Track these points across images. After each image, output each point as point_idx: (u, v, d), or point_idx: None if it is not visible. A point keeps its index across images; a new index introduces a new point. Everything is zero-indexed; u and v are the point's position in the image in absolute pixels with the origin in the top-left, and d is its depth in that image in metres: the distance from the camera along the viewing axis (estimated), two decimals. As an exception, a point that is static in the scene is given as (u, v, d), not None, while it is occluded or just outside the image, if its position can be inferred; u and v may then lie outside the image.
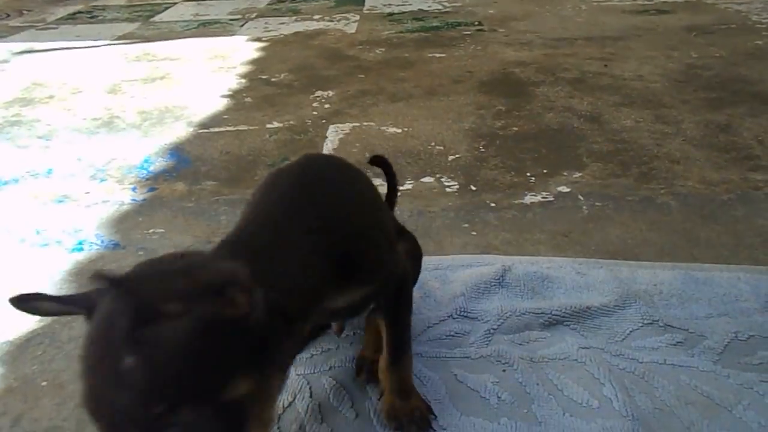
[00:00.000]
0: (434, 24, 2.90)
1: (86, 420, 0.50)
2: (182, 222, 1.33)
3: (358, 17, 3.12)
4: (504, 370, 0.86)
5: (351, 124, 1.78)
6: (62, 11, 3.56)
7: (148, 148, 1.71)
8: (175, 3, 3.70)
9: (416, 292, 1.04)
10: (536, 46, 2.46)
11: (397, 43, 2.60)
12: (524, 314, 0.96)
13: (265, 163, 1.58)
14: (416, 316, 0.99)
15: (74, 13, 3.50)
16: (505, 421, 0.78)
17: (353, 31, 2.84)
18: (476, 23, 2.88)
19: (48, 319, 1.03)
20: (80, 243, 1.26)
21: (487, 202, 1.35)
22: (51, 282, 1.14)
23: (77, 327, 0.99)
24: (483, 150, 1.60)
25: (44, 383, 0.92)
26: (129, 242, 1.26)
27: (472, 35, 2.68)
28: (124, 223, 1.34)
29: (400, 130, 1.73)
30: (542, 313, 0.95)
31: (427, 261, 1.13)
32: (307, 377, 0.87)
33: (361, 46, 2.57)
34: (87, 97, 2.13)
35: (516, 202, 1.34)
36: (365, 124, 1.78)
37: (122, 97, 2.11)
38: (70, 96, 2.15)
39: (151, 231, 1.30)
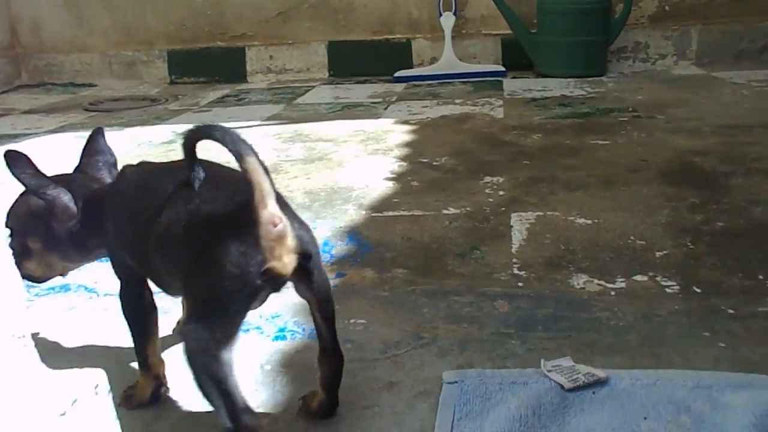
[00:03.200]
0: (584, 110, 2.82)
1: None
2: (381, 313, 1.26)
3: (501, 102, 3.09)
4: None
5: (534, 213, 1.68)
6: (212, 95, 3.76)
7: (325, 230, 1.67)
8: (314, 86, 3.83)
9: (684, 416, 0.90)
10: (707, 134, 2.32)
11: (552, 129, 2.52)
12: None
13: (453, 252, 1.50)
14: (695, 447, 0.84)
15: (223, 97, 3.69)
16: None
17: (501, 116, 2.80)
18: (630, 109, 2.78)
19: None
20: (281, 330, 1.21)
21: (722, 307, 1.20)
22: (263, 372, 1.08)
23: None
24: (692, 246, 1.45)
25: None
26: (332, 333, 1.19)
27: (630, 122, 2.57)
28: (321, 310, 1.28)
29: (590, 221, 1.61)
30: None
31: (679, 375, 0.99)
32: None
33: (515, 132, 2.51)
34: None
35: (761, 309, 1.18)
36: (549, 213, 1.68)
37: (286, 177, 2.12)
38: (236, 175, 2.19)
39: (352, 321, 1.23)
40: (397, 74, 3.80)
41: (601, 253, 1.45)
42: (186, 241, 0.85)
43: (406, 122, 2.78)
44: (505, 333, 1.15)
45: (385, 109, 3.10)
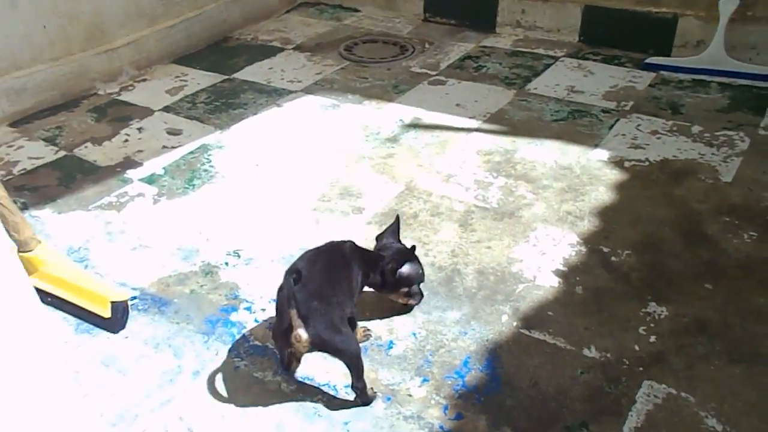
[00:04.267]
0: (840, 190, 2.44)
1: None
2: (470, 486, 1.53)
3: (746, 143, 2.77)
4: None
5: (667, 390, 1.72)
6: (455, 51, 3.86)
7: (472, 342, 1.90)
8: (557, 58, 3.70)
9: None
10: None
11: (777, 225, 2.28)
12: None
13: (564, 421, 1.65)
14: None
15: (463, 59, 3.77)
16: None
17: (730, 178, 2.55)
18: None
19: None
20: (389, 477, 1.56)
21: None
22: None
23: None
24: None
25: None
26: (423, 498, 1.51)
27: None
28: (426, 462, 1.59)
29: (720, 428, 1.62)
30: None
31: None
32: None
33: (728, 219, 2.33)
34: (442, 227, 2.40)
35: None
36: (683, 396, 1.70)
37: (469, 239, 2.31)
38: (428, 220, 2.44)
39: (443, 489, 1.52)
40: (648, 60, 3.50)
41: (702, 482, 1.50)
42: None
43: (619, 163, 2.69)
44: None
45: (610, 127, 2.97)
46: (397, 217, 2.07)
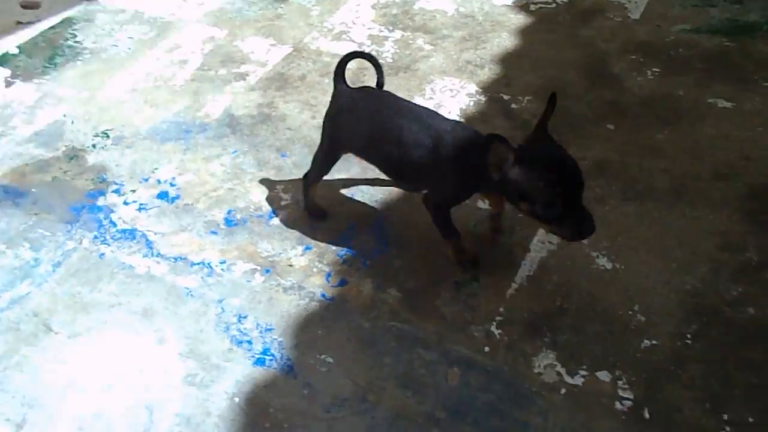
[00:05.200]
0: (754, 18, 2.30)
1: None
2: (351, 353, 1.42)
3: (659, -24, 2.58)
4: None
5: (557, 240, 1.62)
6: None
7: (359, 203, 1.76)
8: None
9: None
10: None
11: (681, 58, 2.15)
12: None
13: (453, 279, 1.55)
14: None
15: None
16: None
17: (638, 15, 2.39)
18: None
19: None
20: (264, 352, 1.44)
21: (653, 450, 1.23)
22: (230, 405, 1.35)
23: None
24: (689, 342, 1.38)
25: None
26: (301, 369, 1.40)
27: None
28: (306, 333, 1.47)
29: (610, 266, 1.54)
30: None
31: None
32: None
33: (634, 56, 2.18)
34: (331, 87, 2.18)
35: (683, 469, 1.20)
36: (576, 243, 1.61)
37: (362, 97, 2.12)
38: (317, 81, 2.21)
39: (323, 357, 1.41)
40: None
41: (592, 323, 1.43)
42: None
43: (525, 7, 2.48)
44: (435, 418, 1.29)
45: (518, -30, 2.73)
46: (551, 98, 1.36)
